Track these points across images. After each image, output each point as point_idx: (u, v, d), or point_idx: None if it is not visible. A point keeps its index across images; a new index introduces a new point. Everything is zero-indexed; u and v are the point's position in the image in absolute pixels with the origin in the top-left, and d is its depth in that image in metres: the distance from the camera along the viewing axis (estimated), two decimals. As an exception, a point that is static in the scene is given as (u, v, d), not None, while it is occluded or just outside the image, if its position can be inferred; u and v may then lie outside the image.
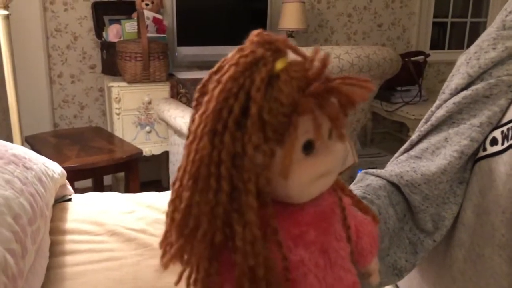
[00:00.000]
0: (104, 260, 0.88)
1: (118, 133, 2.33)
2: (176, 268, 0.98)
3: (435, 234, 0.66)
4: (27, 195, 0.79)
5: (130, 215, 1.05)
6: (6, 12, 1.54)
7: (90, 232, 0.98)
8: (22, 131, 1.69)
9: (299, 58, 0.34)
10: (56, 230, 0.97)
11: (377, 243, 0.45)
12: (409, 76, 2.84)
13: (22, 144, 1.67)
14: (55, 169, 1.02)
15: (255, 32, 0.35)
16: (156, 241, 0.94)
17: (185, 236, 0.33)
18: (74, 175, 1.60)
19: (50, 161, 1.04)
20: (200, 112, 0.33)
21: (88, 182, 2.28)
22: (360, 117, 2.07)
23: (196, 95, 0.36)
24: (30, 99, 2.56)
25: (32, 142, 2.01)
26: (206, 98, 0.33)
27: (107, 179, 2.58)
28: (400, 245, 0.66)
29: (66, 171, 1.11)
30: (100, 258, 0.89)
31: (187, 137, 0.35)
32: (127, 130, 2.36)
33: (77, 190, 1.23)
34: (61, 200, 1.11)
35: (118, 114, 2.33)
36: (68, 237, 0.96)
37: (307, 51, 0.35)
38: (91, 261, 0.88)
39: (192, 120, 0.35)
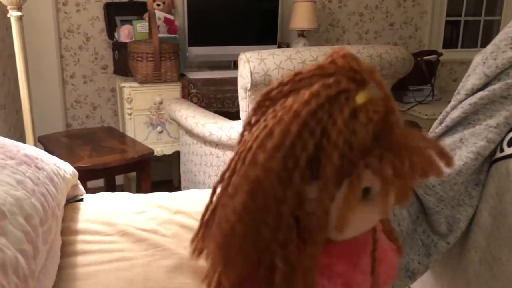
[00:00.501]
0: (115, 261, 0.88)
1: (129, 133, 2.35)
2: (187, 269, 0.97)
3: (449, 236, 0.65)
4: (38, 195, 0.79)
5: (141, 215, 1.05)
6: (19, 14, 1.55)
7: (101, 233, 0.98)
8: (35, 131, 1.70)
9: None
10: (67, 230, 0.97)
11: (395, 272, 0.44)
12: (422, 76, 2.81)
13: (35, 144, 1.68)
14: (67, 169, 1.03)
15: (340, 51, 0.33)
16: (167, 242, 0.94)
17: (224, 260, 0.34)
18: (86, 175, 1.61)
19: (61, 161, 1.04)
20: (269, 140, 0.31)
21: (100, 182, 2.29)
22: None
23: (259, 98, 0.35)
24: (43, 100, 2.58)
25: (45, 142, 2.02)
26: (272, 116, 0.32)
27: (119, 179, 2.59)
28: (413, 247, 0.65)
29: (78, 171, 1.12)
30: (111, 258, 0.89)
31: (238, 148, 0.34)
32: (139, 130, 2.37)
33: (89, 190, 1.23)
34: (73, 200, 1.12)
35: (129, 114, 2.34)
36: (80, 237, 0.96)
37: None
38: (102, 261, 0.88)
39: (248, 123, 0.34)
